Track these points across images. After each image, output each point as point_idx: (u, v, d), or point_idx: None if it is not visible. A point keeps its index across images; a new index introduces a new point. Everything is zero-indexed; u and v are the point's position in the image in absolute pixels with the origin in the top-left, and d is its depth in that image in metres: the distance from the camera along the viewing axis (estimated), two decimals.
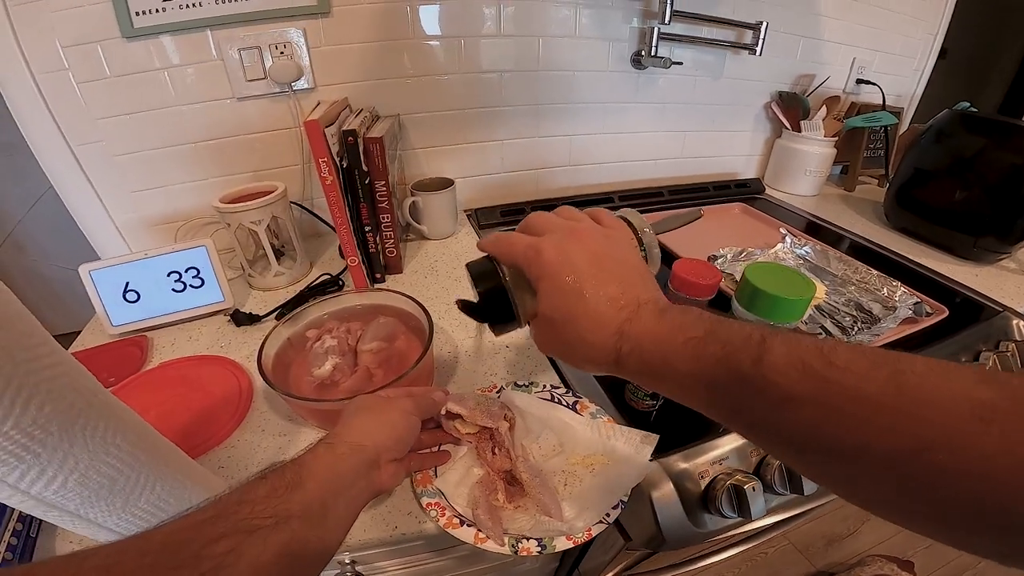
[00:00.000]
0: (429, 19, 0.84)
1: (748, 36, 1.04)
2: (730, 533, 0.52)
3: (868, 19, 1.19)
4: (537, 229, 0.37)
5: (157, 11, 0.71)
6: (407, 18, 0.82)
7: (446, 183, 0.91)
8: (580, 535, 0.42)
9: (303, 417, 0.55)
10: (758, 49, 1.02)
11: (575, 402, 0.54)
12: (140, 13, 0.71)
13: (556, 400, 0.55)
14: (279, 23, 0.77)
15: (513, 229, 0.38)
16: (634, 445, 0.48)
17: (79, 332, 0.73)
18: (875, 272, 0.78)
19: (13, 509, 0.43)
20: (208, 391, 0.60)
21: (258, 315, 0.72)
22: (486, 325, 0.39)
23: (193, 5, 0.72)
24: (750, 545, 0.68)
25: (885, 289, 0.75)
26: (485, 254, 0.39)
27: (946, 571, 1.24)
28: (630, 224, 0.41)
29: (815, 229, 1.05)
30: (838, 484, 0.24)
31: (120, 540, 0.25)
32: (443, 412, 0.49)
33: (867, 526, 1.35)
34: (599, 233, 0.36)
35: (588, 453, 0.49)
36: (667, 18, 0.91)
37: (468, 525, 0.42)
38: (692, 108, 1.12)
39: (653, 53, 0.95)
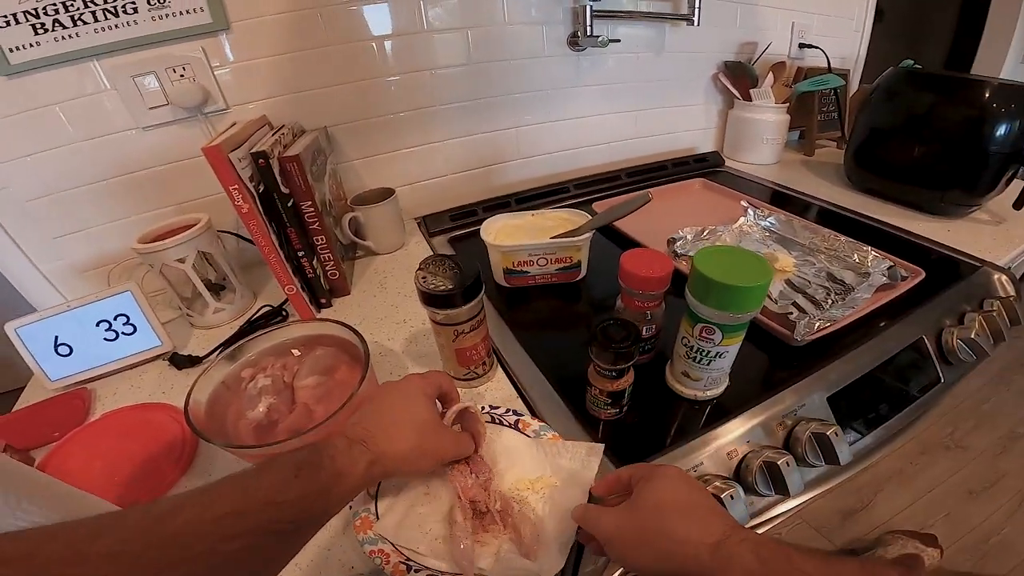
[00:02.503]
0: (346, 23, 0.79)
1: (684, 6, 1.00)
2: (775, 511, 0.50)
3: None
4: None
5: (31, 45, 0.66)
6: (319, 24, 0.77)
7: (388, 193, 0.87)
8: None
9: (248, 460, 0.51)
10: (695, 19, 0.98)
11: (516, 420, 0.51)
12: (14, 49, 0.66)
13: (497, 421, 0.52)
14: (173, 44, 0.72)
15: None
16: (579, 460, 0.45)
17: None
18: (843, 238, 0.76)
19: None
20: (152, 439, 0.58)
21: (199, 356, 0.69)
22: None
23: (70, 36, 0.67)
24: (763, 530, 0.66)
25: (856, 255, 0.73)
26: None
27: (970, 538, 1.23)
28: None
29: (780, 198, 1.02)
30: None
31: (131, 517, 0.26)
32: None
33: (880, 496, 1.35)
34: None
35: (536, 476, 0.46)
36: None
37: (416, 571, 0.39)
38: (639, 86, 1.09)
39: (589, 33, 0.91)
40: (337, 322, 0.58)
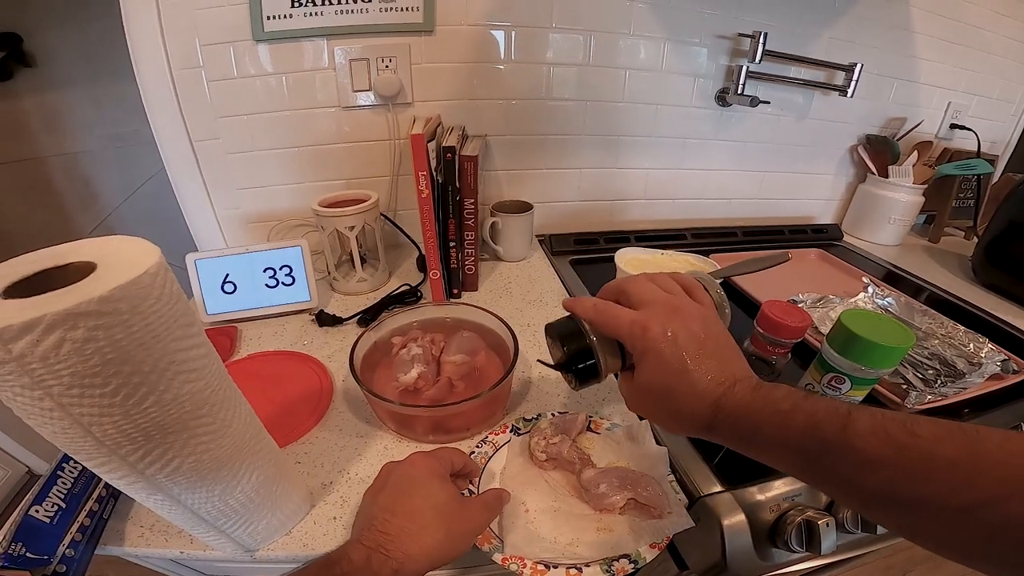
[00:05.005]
0: (521, 45, 0.86)
1: (839, 77, 1.02)
2: (791, 569, 0.50)
3: (968, 62, 1.14)
4: (637, 301, 0.37)
5: (286, 16, 0.76)
6: (502, 41, 0.85)
7: (525, 206, 0.93)
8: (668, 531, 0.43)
9: (382, 420, 0.56)
10: (850, 91, 0.99)
11: (589, 421, 0.56)
12: (271, 17, 0.76)
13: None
14: (388, 37, 0.81)
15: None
16: (637, 439, 0.53)
17: None
18: (962, 328, 0.75)
19: (94, 490, 0.43)
20: (291, 386, 0.61)
21: (341, 317, 0.75)
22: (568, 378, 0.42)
23: (316, 14, 0.77)
24: None
25: (972, 345, 0.72)
26: (567, 314, 0.42)
27: None
28: (706, 288, 0.42)
29: (896, 280, 1.00)
30: (916, 535, 0.26)
31: None
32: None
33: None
34: (698, 311, 0.37)
35: (615, 459, 0.52)
36: (758, 57, 0.91)
37: (554, 567, 0.42)
38: (773, 148, 1.11)
39: (740, 91, 0.95)
40: (484, 309, 0.63)
